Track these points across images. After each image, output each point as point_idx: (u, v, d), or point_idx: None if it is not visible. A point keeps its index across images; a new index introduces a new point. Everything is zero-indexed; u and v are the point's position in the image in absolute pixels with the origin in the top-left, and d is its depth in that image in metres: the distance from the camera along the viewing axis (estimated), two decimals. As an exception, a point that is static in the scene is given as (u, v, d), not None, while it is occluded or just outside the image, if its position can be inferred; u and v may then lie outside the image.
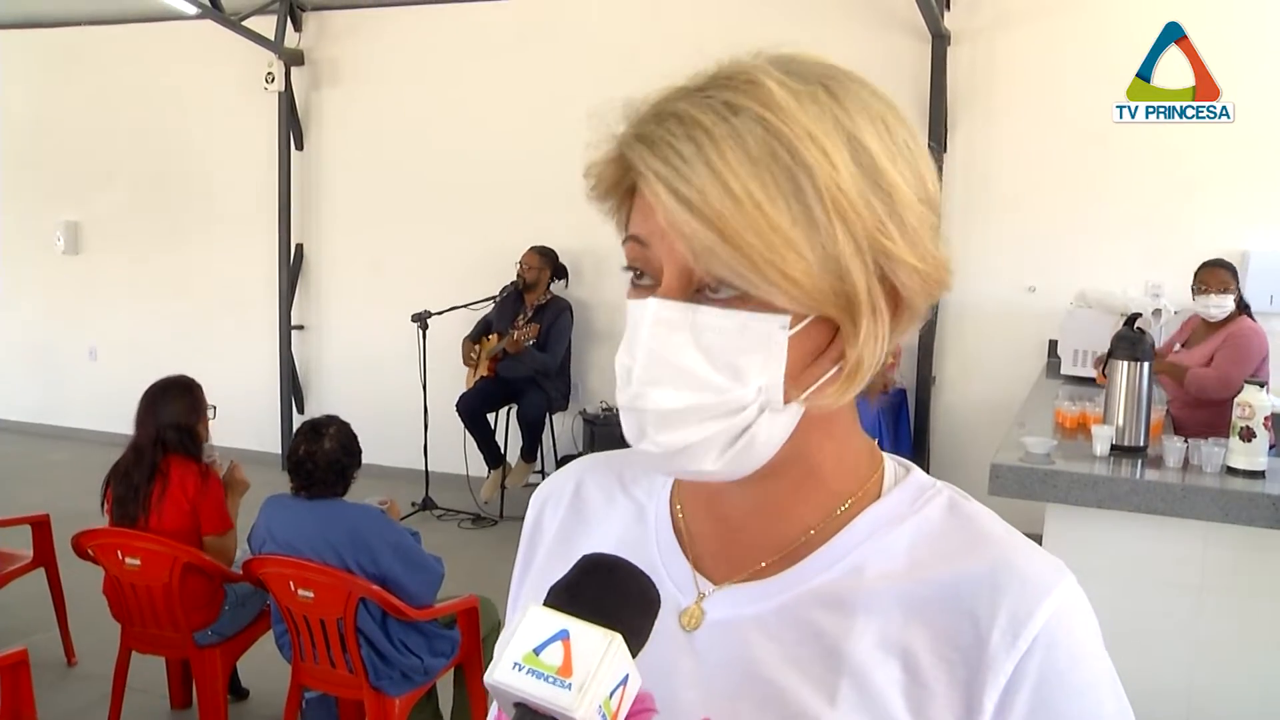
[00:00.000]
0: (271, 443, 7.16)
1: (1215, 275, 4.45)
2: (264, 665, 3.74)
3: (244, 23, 6.86)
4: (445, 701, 3.49)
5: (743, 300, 0.68)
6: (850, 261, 0.67)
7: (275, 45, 7.09)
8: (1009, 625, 0.70)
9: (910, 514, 0.77)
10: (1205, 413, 4.18)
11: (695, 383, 0.68)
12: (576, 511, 0.91)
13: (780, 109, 0.66)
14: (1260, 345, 4.34)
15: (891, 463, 0.82)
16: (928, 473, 0.82)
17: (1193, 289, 4.55)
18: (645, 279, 0.72)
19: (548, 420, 6.34)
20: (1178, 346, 4.72)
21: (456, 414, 6.12)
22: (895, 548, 0.76)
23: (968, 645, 0.70)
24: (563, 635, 0.63)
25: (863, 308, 0.69)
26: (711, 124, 0.65)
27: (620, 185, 0.73)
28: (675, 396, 0.69)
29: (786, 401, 0.70)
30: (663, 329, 0.68)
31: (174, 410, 3.48)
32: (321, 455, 3.10)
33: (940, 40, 5.76)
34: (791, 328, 0.68)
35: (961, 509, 0.78)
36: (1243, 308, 4.48)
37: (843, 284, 0.67)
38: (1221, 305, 4.42)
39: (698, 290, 0.69)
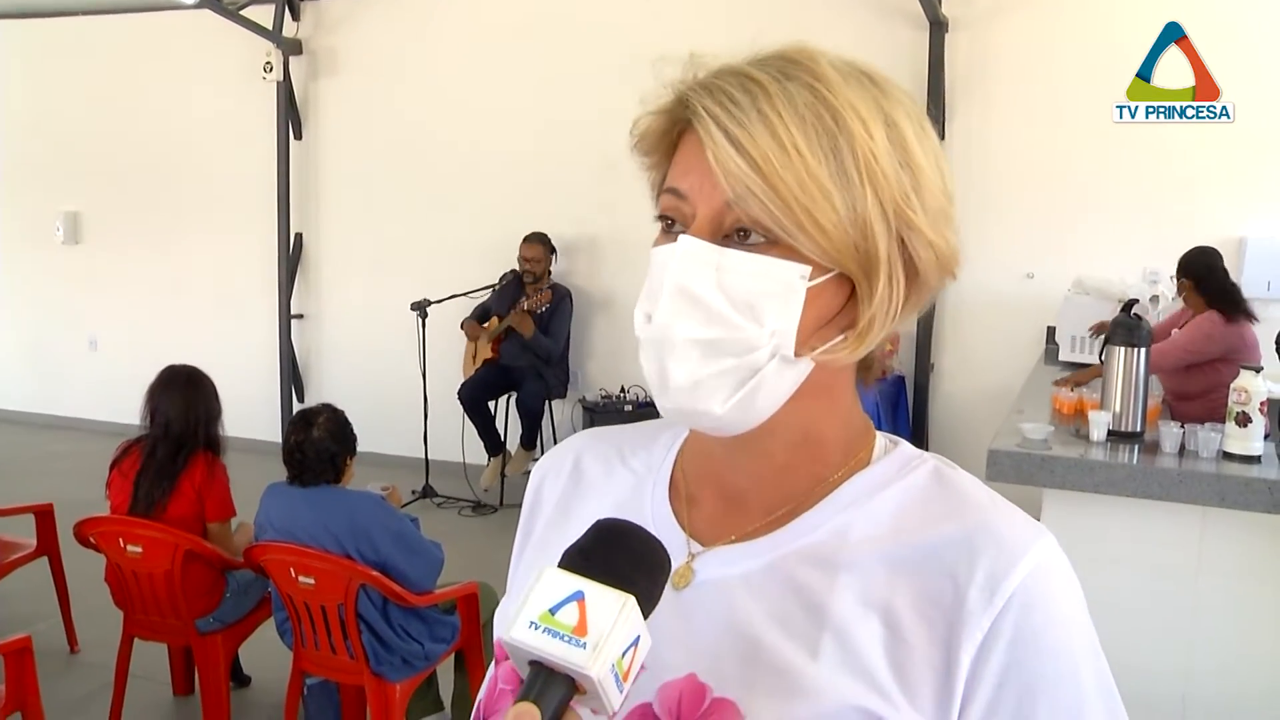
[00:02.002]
0: (272, 432, 7.17)
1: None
2: (265, 652, 3.75)
3: (242, 12, 6.87)
4: (446, 687, 3.51)
5: (768, 248, 0.72)
6: (876, 223, 0.72)
7: (273, 35, 7.09)
8: (986, 583, 0.72)
9: (896, 480, 0.80)
10: (1197, 405, 4.21)
11: (714, 318, 0.72)
12: (575, 483, 0.93)
13: (829, 81, 0.72)
14: (1217, 337, 4.24)
15: (882, 438, 0.85)
16: None
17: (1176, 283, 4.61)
18: (676, 228, 0.76)
19: (547, 408, 6.35)
20: (1175, 332, 4.72)
21: (457, 401, 6.14)
22: (880, 512, 0.78)
23: (947, 604, 0.73)
24: (578, 596, 0.65)
25: (881, 269, 0.73)
26: (766, 81, 0.71)
27: (666, 137, 0.78)
28: (695, 329, 0.72)
29: (797, 355, 0.74)
30: (690, 264, 0.72)
31: (209, 401, 3.53)
32: (311, 444, 3.12)
33: (938, 27, 5.76)
34: (811, 280, 0.72)
35: (946, 476, 0.81)
36: (1217, 298, 4.34)
37: (866, 243, 0.72)
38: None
39: (726, 236, 0.73)
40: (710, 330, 0.72)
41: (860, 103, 0.72)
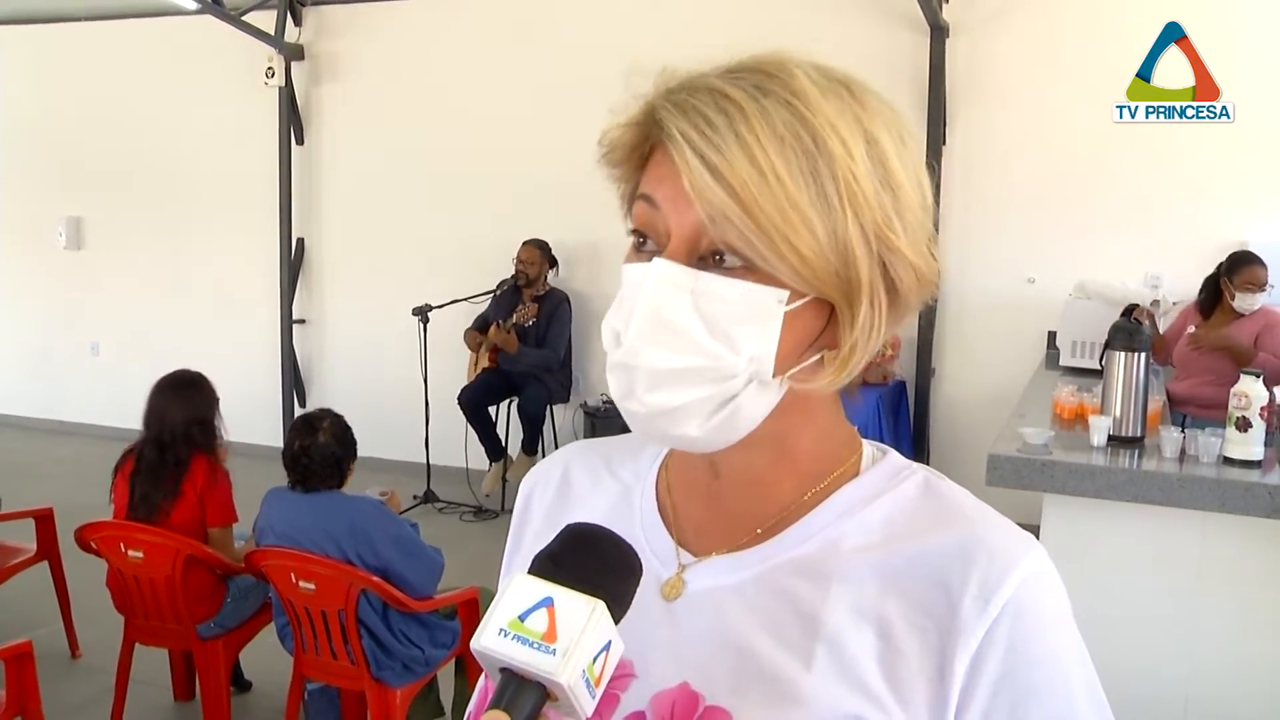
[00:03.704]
0: (273, 436, 7.17)
1: (1254, 274, 4.56)
2: (266, 657, 3.76)
3: (244, 18, 6.88)
4: (446, 692, 3.51)
5: (745, 272, 0.70)
6: (857, 247, 0.70)
7: (275, 40, 7.10)
8: (979, 593, 0.72)
9: (886, 491, 0.80)
10: (1212, 390, 4.29)
11: (689, 346, 0.71)
12: (563, 495, 0.93)
13: (806, 97, 0.69)
14: None
15: (870, 447, 0.85)
16: (928, 464, 0.84)
17: (1229, 283, 4.61)
18: (649, 244, 0.74)
19: (549, 413, 6.35)
20: (1191, 328, 4.77)
21: (458, 407, 6.14)
22: (871, 522, 0.78)
23: (940, 613, 0.73)
24: (547, 602, 0.65)
25: (863, 294, 0.71)
26: (743, 100, 0.68)
27: (637, 151, 0.76)
28: (668, 357, 0.71)
29: (775, 377, 0.73)
30: (664, 289, 0.71)
31: (196, 405, 3.52)
32: (316, 450, 3.12)
33: (939, 32, 5.76)
34: (789, 304, 0.70)
35: (935, 487, 0.81)
36: None
37: (847, 269, 0.70)
38: (1257, 302, 4.56)
39: (701, 259, 0.71)
40: (684, 359, 0.71)
41: (839, 120, 0.69)
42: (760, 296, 0.70)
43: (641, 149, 0.75)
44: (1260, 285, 4.52)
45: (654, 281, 0.71)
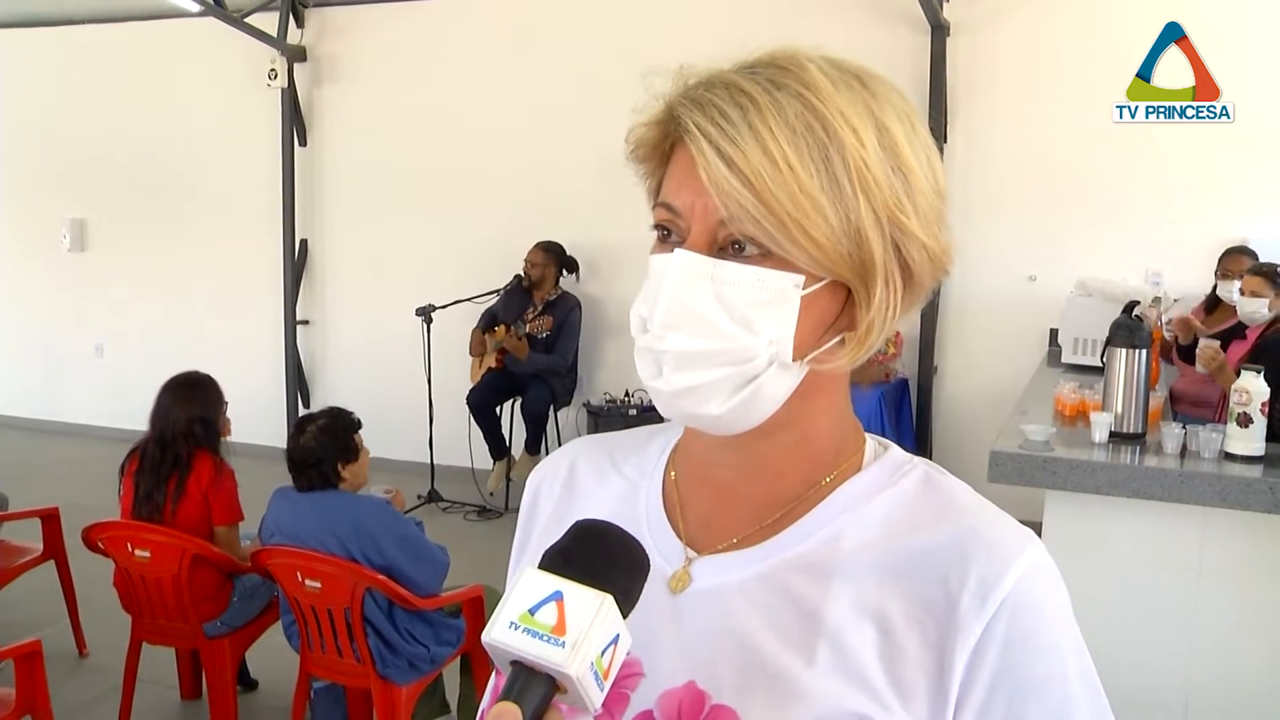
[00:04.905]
0: (278, 437, 7.15)
1: (1237, 262, 4.59)
2: (272, 655, 3.78)
3: (246, 19, 6.88)
4: (451, 690, 3.53)
5: (763, 259, 0.73)
6: (870, 231, 0.73)
7: (278, 42, 7.12)
8: (978, 589, 0.74)
9: (887, 486, 0.81)
10: (1200, 389, 4.31)
11: (710, 330, 0.74)
12: (570, 491, 0.94)
13: (818, 89, 0.72)
14: None
15: (872, 441, 0.86)
16: (930, 460, 0.85)
17: (1216, 273, 4.68)
18: (673, 238, 0.77)
19: (551, 413, 6.38)
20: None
21: (462, 406, 6.17)
22: (871, 518, 0.80)
23: (939, 609, 0.74)
24: (556, 596, 0.67)
25: (878, 275, 0.74)
26: (757, 94, 0.72)
27: (660, 148, 0.79)
28: (691, 341, 0.74)
29: (795, 359, 0.75)
30: (686, 277, 0.74)
31: (199, 403, 3.55)
32: (299, 450, 3.15)
33: (939, 31, 5.77)
34: (805, 288, 0.73)
35: (935, 482, 0.82)
36: None
37: (860, 251, 0.73)
38: (1236, 290, 4.52)
39: (721, 249, 0.74)
40: (706, 342, 0.74)
41: (850, 109, 0.72)
42: (776, 281, 0.73)
43: (663, 146, 0.79)
44: (1235, 273, 4.55)
45: (676, 270, 0.74)
